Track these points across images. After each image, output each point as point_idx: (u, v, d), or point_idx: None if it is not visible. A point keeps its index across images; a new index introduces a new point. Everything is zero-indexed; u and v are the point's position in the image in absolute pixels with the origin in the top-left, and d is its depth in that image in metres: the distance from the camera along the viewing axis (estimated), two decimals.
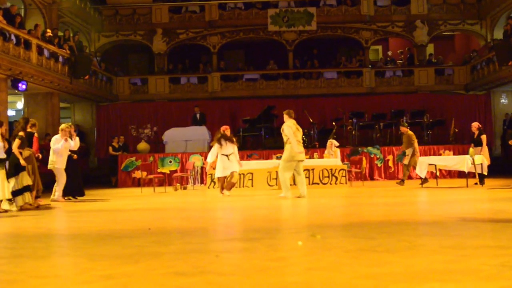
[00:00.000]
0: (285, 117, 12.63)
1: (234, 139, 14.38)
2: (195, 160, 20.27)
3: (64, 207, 11.91)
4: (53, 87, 21.24)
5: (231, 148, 14.11)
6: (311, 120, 22.37)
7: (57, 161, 13.38)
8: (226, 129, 14.32)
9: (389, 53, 30.09)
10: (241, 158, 20.44)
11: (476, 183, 15.22)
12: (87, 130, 26.42)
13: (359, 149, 20.87)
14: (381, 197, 12.45)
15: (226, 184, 14.10)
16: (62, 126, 13.84)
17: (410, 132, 17.01)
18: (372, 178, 20.95)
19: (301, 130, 12.65)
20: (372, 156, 21.05)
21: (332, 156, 17.99)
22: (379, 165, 21.12)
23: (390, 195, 12.92)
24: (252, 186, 16.96)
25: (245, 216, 9.10)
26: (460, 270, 3.96)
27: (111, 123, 26.76)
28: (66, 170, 13.62)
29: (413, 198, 12.33)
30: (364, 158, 19.69)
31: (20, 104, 23.62)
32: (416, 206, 10.47)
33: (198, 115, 23.94)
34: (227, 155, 13.98)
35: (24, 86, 18.41)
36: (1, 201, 10.87)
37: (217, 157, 14.26)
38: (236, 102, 26.91)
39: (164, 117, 26.51)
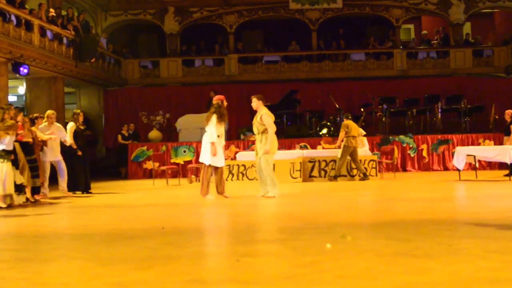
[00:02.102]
0: (259, 103, 11.41)
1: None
2: None
3: (70, 203, 11.93)
4: (57, 71, 21.28)
5: (222, 129, 11.55)
6: (337, 106, 22.17)
7: (42, 154, 13.04)
8: (224, 100, 11.58)
9: (425, 32, 29.70)
10: None
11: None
12: (94, 117, 26.44)
13: (390, 137, 20.66)
14: (416, 191, 12.33)
15: (219, 184, 11.44)
16: (48, 112, 13.53)
17: (345, 122, 16.44)
18: (404, 170, 20.76)
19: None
20: (404, 145, 20.83)
21: (360, 145, 17.83)
22: (412, 155, 20.90)
23: (425, 189, 12.82)
24: None
25: (268, 213, 9.04)
26: (509, 279, 3.86)
27: (120, 109, 26.79)
28: (72, 162, 13.62)
29: (451, 193, 12.20)
30: (395, 148, 19.51)
31: (22, 89, 23.72)
32: (454, 203, 10.36)
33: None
34: (218, 136, 11.42)
35: (25, 70, 18.46)
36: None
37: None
38: (255, 86, 26.72)
39: (177, 103, 26.48)
